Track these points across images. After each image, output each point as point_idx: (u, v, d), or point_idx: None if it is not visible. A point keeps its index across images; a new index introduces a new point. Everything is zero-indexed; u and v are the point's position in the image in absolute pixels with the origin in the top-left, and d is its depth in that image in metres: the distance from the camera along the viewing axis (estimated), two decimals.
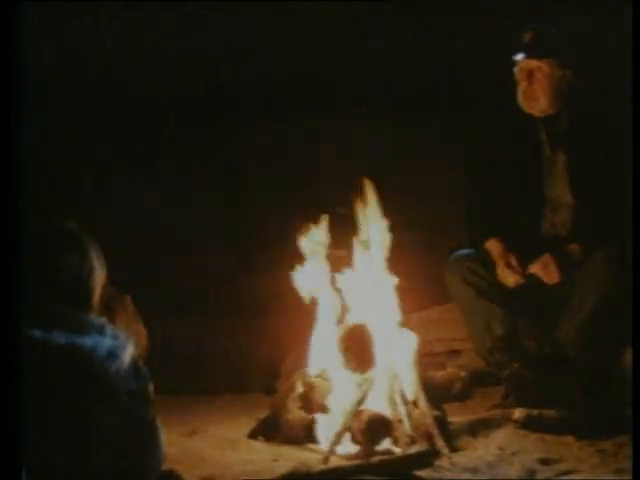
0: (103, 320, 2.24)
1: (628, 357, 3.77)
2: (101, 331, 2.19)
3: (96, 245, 2.39)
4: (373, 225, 3.75)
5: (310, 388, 3.69)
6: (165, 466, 2.43)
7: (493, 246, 4.01)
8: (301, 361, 3.86)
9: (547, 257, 3.88)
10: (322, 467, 3.20)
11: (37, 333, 2.10)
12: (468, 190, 4.22)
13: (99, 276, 2.35)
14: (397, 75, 5.27)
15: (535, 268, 3.90)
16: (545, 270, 3.88)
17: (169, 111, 5.30)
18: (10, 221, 2.22)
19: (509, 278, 3.92)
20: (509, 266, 3.92)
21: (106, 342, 2.15)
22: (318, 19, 5.16)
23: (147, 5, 5.08)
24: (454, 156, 5.01)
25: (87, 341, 2.12)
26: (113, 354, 2.15)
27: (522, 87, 3.96)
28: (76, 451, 2.10)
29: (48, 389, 2.08)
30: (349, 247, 3.78)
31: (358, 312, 3.74)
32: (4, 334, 2.06)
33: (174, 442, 3.34)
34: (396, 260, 3.79)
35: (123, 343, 2.20)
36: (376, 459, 3.26)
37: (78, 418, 2.10)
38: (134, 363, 2.22)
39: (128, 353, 2.19)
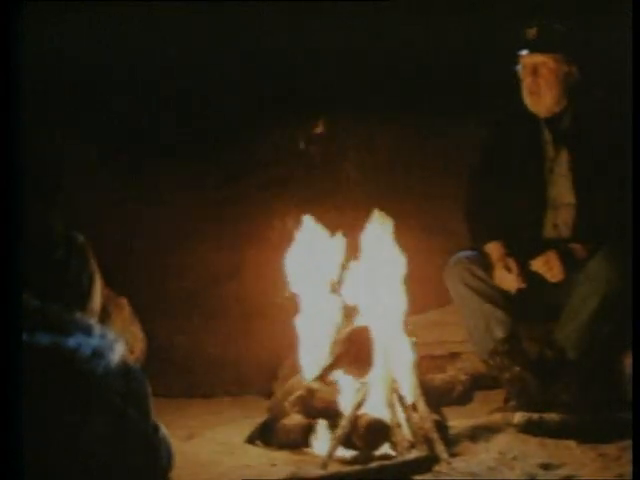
0: (91, 320, 2.21)
1: (629, 359, 3.75)
2: (88, 331, 2.16)
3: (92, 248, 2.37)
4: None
5: (308, 392, 3.67)
6: None
7: (493, 249, 3.98)
8: (298, 365, 3.84)
9: (551, 254, 3.86)
10: (320, 472, 3.18)
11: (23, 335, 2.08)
12: (469, 191, 4.20)
13: (97, 278, 2.33)
14: (398, 75, 5.26)
15: (537, 264, 3.88)
16: (547, 267, 3.86)
17: (168, 110, 5.29)
18: (9, 222, 2.20)
19: (507, 282, 3.90)
20: (507, 270, 3.90)
21: (92, 342, 2.12)
22: (318, 19, 5.15)
23: (147, 5, 5.07)
24: (454, 156, 4.99)
25: (71, 341, 2.09)
26: (99, 354, 2.12)
27: (526, 82, 3.94)
28: (67, 451, 2.08)
29: (34, 390, 2.05)
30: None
31: (357, 315, 3.72)
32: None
33: None
34: None
35: (110, 343, 2.17)
36: (375, 464, 3.25)
37: (66, 419, 2.07)
38: (125, 364, 2.19)
39: (116, 353, 2.16)
